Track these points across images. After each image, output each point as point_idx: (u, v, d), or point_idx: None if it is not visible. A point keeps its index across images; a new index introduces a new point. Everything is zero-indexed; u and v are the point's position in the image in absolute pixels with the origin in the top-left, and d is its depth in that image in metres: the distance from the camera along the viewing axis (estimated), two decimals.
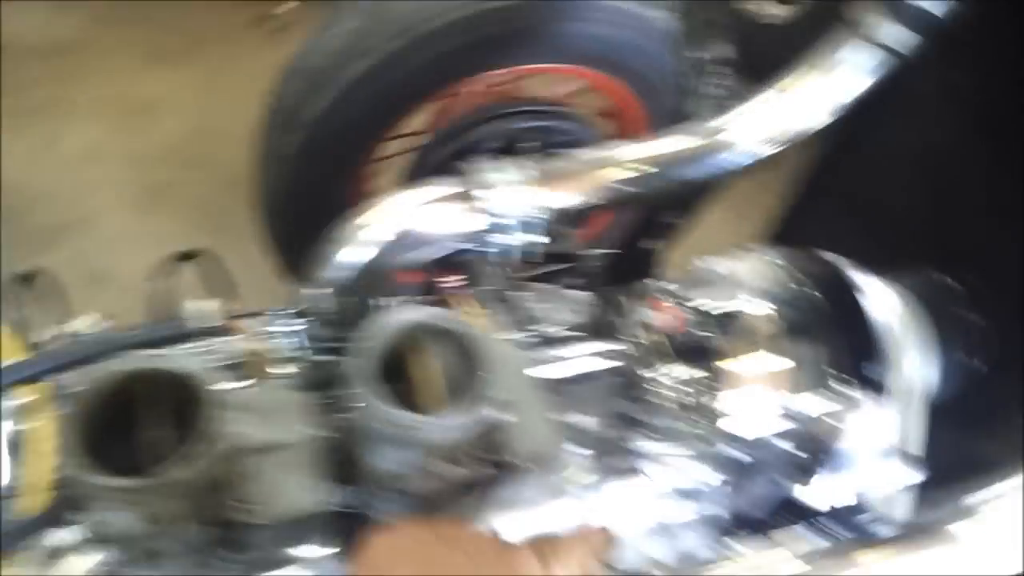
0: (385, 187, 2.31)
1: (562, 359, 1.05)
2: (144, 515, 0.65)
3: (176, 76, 3.27)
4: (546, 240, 0.97)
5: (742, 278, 0.90)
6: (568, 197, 0.99)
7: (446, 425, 0.69)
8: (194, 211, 2.87)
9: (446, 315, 0.75)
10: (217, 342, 1.00)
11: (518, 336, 1.14)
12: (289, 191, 2.03)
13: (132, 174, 2.96)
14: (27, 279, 1.06)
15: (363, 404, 0.71)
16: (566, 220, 1.12)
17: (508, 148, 2.07)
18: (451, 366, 0.75)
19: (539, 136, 2.04)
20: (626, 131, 2.32)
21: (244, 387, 0.80)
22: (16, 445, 1.06)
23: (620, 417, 1.05)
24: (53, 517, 0.88)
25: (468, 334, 0.73)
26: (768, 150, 1.06)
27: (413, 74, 1.89)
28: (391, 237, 0.95)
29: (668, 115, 2.17)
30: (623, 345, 0.96)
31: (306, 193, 2.03)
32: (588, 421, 1.03)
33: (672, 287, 0.90)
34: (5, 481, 1.06)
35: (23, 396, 1.06)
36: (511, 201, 0.94)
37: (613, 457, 1.02)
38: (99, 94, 3.17)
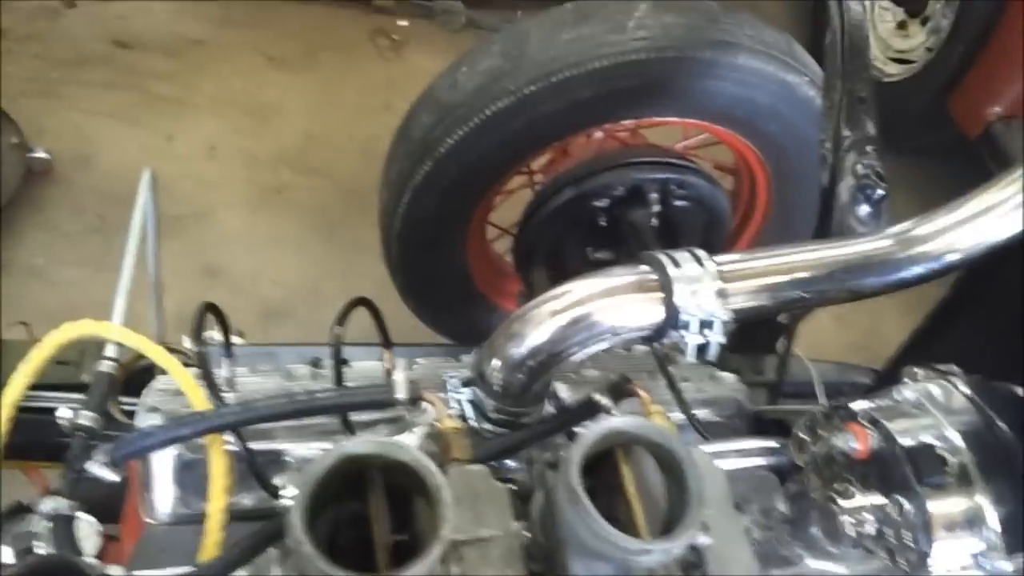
0: (501, 220, 2.36)
1: (722, 454, 1.07)
2: None
3: (293, 81, 3.35)
4: (723, 340, 0.98)
5: (929, 405, 0.89)
6: (752, 297, 0.99)
7: (657, 550, 0.70)
8: (307, 217, 2.95)
9: (654, 427, 0.76)
10: (413, 415, 1.03)
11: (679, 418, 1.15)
12: (413, 218, 2.06)
13: (247, 173, 3.05)
14: (206, 311, 1.10)
15: (573, 512, 0.72)
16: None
17: (629, 196, 2.09)
18: (660, 480, 0.76)
19: (661, 188, 2.05)
20: (744, 189, 2.32)
21: (448, 471, 0.82)
22: (186, 474, 1.11)
23: (770, 517, 1.05)
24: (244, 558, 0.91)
25: (678, 451, 0.75)
26: (959, 262, 1.04)
27: (544, 118, 1.91)
28: (568, 323, 0.96)
29: (794, 181, 2.16)
30: (795, 449, 0.95)
31: (429, 221, 2.07)
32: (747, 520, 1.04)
33: (863, 407, 0.90)
34: (168, 510, 1.11)
35: None
36: (695, 298, 0.95)
37: (767, 561, 1.02)
38: (218, 93, 3.27)
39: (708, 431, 1.17)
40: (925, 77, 3.39)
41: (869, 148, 1.56)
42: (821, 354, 1.81)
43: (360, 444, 0.71)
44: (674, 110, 1.99)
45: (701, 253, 0.99)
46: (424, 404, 0.92)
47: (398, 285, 2.28)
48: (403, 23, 3.65)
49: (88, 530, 1.07)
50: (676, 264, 0.96)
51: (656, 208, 2.04)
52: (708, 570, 0.76)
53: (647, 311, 0.95)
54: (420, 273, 2.23)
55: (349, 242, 2.83)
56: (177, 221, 2.88)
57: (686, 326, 0.94)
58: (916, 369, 0.99)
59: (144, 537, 1.07)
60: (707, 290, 0.94)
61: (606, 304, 0.96)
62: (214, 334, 1.87)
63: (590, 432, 0.76)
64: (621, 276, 0.97)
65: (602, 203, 2.05)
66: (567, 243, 2.09)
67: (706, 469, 0.85)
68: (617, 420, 0.77)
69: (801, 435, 0.95)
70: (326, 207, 2.97)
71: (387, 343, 1.19)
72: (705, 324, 0.94)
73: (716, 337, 0.95)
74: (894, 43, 3.59)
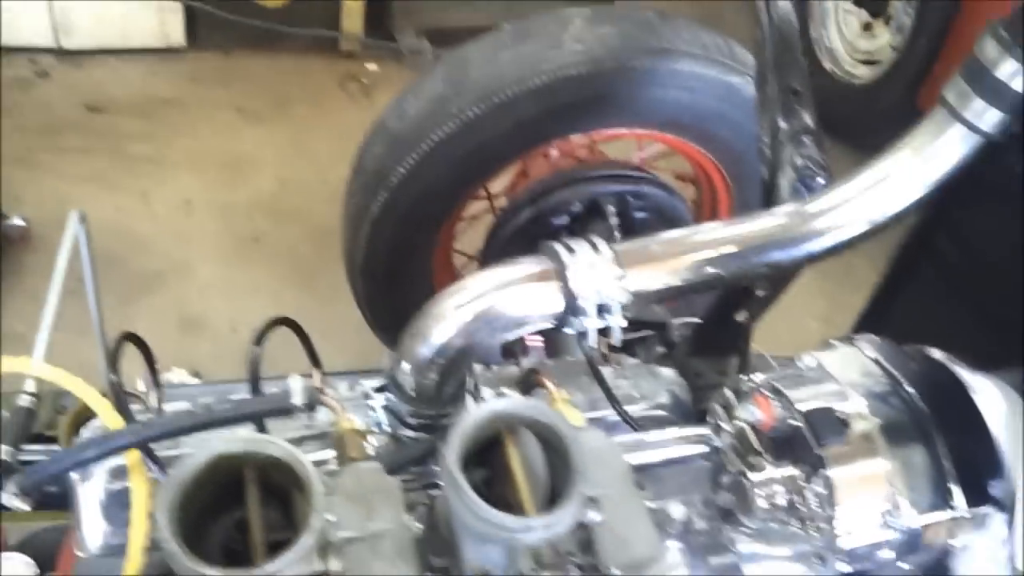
0: (468, 246, 2.37)
1: (650, 443, 1.05)
2: None
3: (265, 133, 3.40)
4: (624, 324, 0.97)
5: (835, 372, 0.88)
6: (650, 279, 0.99)
7: (538, 526, 0.69)
8: (284, 263, 2.97)
9: (538, 406, 0.75)
10: (312, 419, 1.03)
11: (600, 414, 1.14)
12: (375, 250, 2.07)
13: (224, 225, 3.07)
14: (123, 341, 1.11)
15: (456, 497, 0.72)
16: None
17: (587, 212, 2.09)
18: (543, 459, 0.75)
19: (618, 200, 2.05)
20: (706, 197, 2.31)
21: (342, 471, 0.82)
22: (112, 506, 1.10)
23: (711, 507, 1.04)
24: None
25: (560, 428, 0.74)
26: (860, 233, 1.04)
27: (493, 140, 1.92)
28: (470, 318, 0.96)
29: (751, 183, 2.16)
30: (713, 432, 0.94)
31: (391, 252, 2.08)
32: (677, 509, 1.02)
33: (763, 378, 0.88)
34: (100, 542, 1.10)
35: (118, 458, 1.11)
36: (591, 283, 0.94)
37: (705, 550, 1.00)
38: (192, 149, 3.31)
39: (645, 425, 1.15)
40: (893, 75, 3.40)
41: (807, 139, 1.56)
42: None
43: (230, 442, 0.71)
44: (620, 121, 2.00)
45: (598, 240, 0.99)
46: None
47: (368, 320, 2.28)
48: (372, 67, 3.71)
49: (17, 569, 1.06)
50: (571, 252, 0.96)
51: (615, 221, 2.04)
52: (600, 547, 0.74)
53: (546, 299, 0.95)
54: (387, 306, 2.23)
55: (325, 286, 2.84)
56: (155, 277, 2.90)
57: (584, 312, 0.94)
58: (831, 340, 0.98)
59: (73, 570, 1.06)
60: (603, 275, 0.94)
61: (506, 295, 0.96)
62: (174, 375, 1.89)
63: (470, 416, 0.75)
64: (519, 267, 0.97)
65: (561, 220, 2.06)
66: None
67: (602, 450, 0.84)
68: (498, 402, 0.76)
69: (717, 416, 0.94)
70: (302, 253, 2.98)
71: (315, 362, 1.18)
72: (603, 308, 0.94)
73: (616, 320, 0.94)
74: (860, 45, 3.61)
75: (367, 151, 2.09)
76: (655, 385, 1.23)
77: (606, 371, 1.27)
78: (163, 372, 1.85)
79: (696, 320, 1.84)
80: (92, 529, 1.07)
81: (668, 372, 1.27)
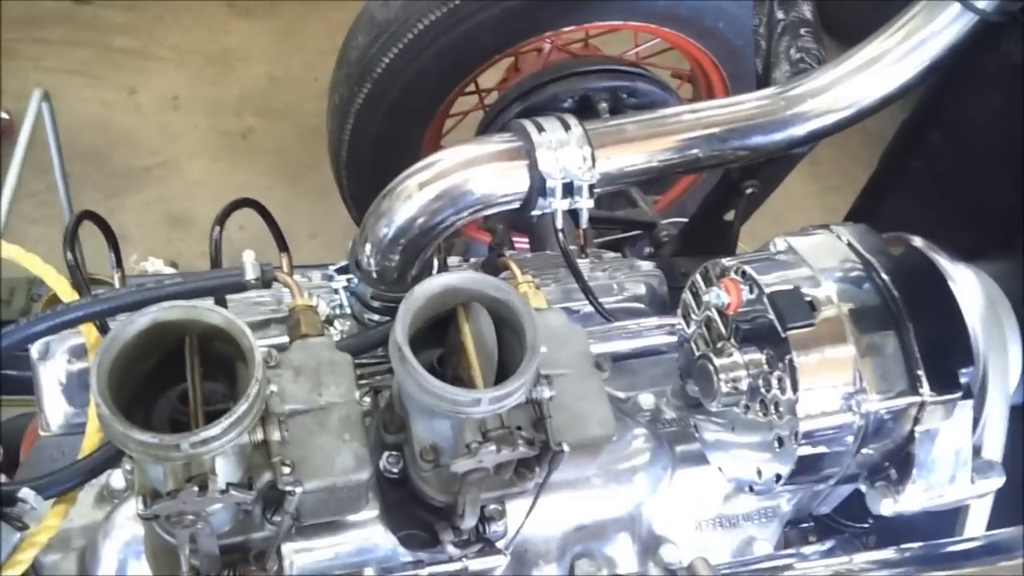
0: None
1: (621, 333, 1.03)
2: (174, 472, 0.65)
3: (254, 27, 3.29)
4: (591, 204, 0.93)
5: (809, 257, 0.84)
6: (622, 160, 0.95)
7: (485, 399, 0.67)
8: (273, 161, 2.91)
9: (490, 280, 0.72)
10: (266, 295, 1.00)
11: (575, 306, 1.12)
12: (359, 144, 2.02)
13: (211, 121, 3.01)
14: (81, 219, 1.07)
15: (403, 371, 0.69)
16: (640, 185, 1.06)
17: (580, 108, 2.03)
18: (499, 337, 0.73)
19: (611, 97, 1.98)
20: (703, 95, 2.24)
21: (291, 345, 0.79)
22: (73, 386, 1.09)
23: (680, 397, 1.02)
24: (110, 458, 0.90)
25: (514, 302, 0.71)
26: (845, 118, 0.99)
27: (480, 28, 1.85)
28: (433, 195, 0.92)
29: (749, 81, 2.09)
30: (683, 320, 0.91)
31: (376, 146, 2.02)
32: (646, 399, 1.00)
33: (733, 262, 0.85)
34: (61, 421, 1.09)
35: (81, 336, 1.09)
36: (559, 162, 0.90)
37: (673, 438, 0.99)
38: (179, 43, 3.22)
39: (619, 316, 1.13)
40: None
41: (804, 31, 1.49)
42: None
43: (167, 309, 0.68)
44: (613, 12, 1.92)
45: (571, 119, 0.94)
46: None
47: (353, 216, 2.24)
48: None
49: None
50: (541, 130, 0.92)
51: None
52: (553, 424, 0.72)
53: (513, 179, 0.91)
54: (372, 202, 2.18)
55: (314, 184, 2.79)
56: (143, 172, 2.85)
57: (553, 193, 0.90)
58: (808, 227, 0.95)
59: (34, 448, 1.06)
60: (572, 155, 0.90)
61: (472, 174, 0.92)
62: (150, 265, 1.87)
63: (419, 289, 0.73)
64: (487, 144, 0.93)
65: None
66: None
67: (562, 331, 0.81)
68: (449, 276, 0.73)
69: (686, 305, 0.91)
70: (291, 150, 2.93)
71: (282, 245, 1.15)
72: (572, 190, 0.90)
73: (585, 202, 0.91)
74: None
75: (351, 41, 2.01)
76: (633, 277, 1.20)
77: (583, 263, 1.24)
78: (140, 262, 1.84)
79: (684, 220, 1.80)
80: (53, 409, 1.06)
81: (646, 265, 1.24)
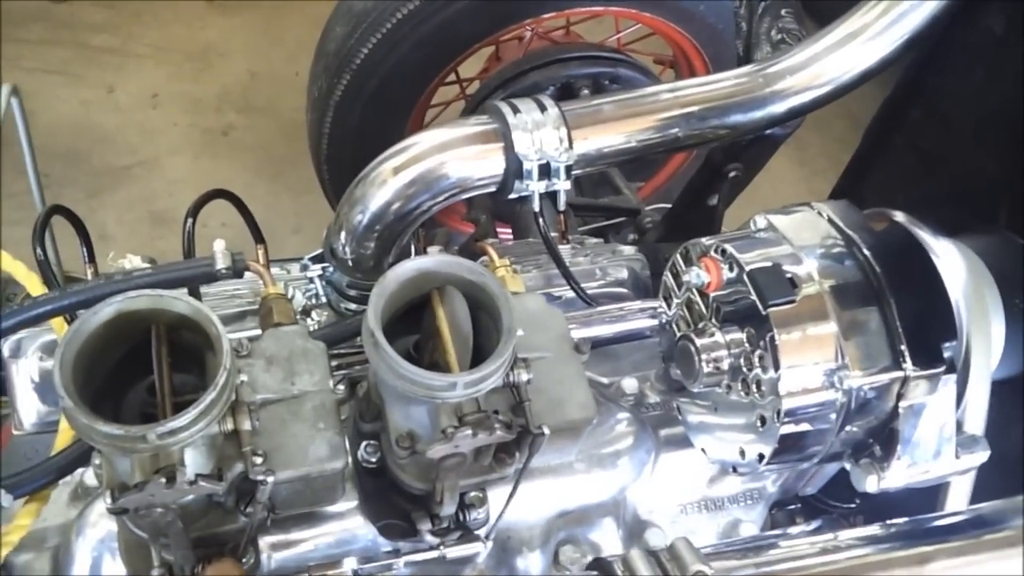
0: None
1: (603, 317, 1.01)
2: (141, 464, 0.63)
3: (233, 22, 3.26)
4: (568, 186, 0.92)
5: (790, 235, 0.83)
6: (600, 140, 0.93)
7: (461, 383, 0.66)
8: (255, 157, 2.88)
9: (464, 263, 0.71)
10: (243, 288, 0.98)
11: (557, 292, 1.10)
12: (339, 136, 2.00)
13: (192, 119, 2.98)
14: (52, 214, 1.05)
15: (377, 357, 0.68)
16: (624, 170, 1.04)
17: (562, 96, 2.01)
18: (476, 321, 0.71)
19: (593, 84, 1.97)
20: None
21: (263, 334, 0.78)
22: (46, 383, 1.07)
23: (663, 381, 1.01)
24: (82, 455, 0.88)
25: (489, 285, 0.69)
26: (824, 94, 0.98)
27: (459, 17, 1.83)
28: (408, 180, 0.91)
29: (730, 65, 2.07)
30: (664, 302, 0.90)
31: (356, 138, 2.00)
32: (629, 384, 0.99)
33: (712, 240, 0.84)
34: (34, 419, 1.07)
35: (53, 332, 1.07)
36: (535, 144, 0.89)
37: (656, 422, 0.98)
38: (158, 40, 3.18)
39: (601, 301, 1.12)
40: None
41: (784, 12, 1.48)
42: None
43: (132, 298, 0.67)
44: None
45: (547, 99, 0.93)
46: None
47: (335, 209, 2.22)
48: None
49: None
50: (516, 111, 0.90)
51: None
52: (532, 408, 0.71)
53: (488, 161, 0.90)
54: None
55: (297, 179, 2.77)
56: (123, 171, 2.82)
57: (529, 175, 0.89)
58: (789, 205, 0.93)
59: (7, 447, 1.04)
60: (549, 136, 0.89)
61: (447, 157, 0.90)
62: (128, 262, 1.84)
63: (392, 274, 0.71)
64: (462, 127, 0.92)
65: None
66: None
67: (540, 314, 0.80)
68: (423, 259, 0.72)
69: (667, 287, 0.90)
70: (273, 145, 2.90)
71: (257, 237, 1.13)
72: (549, 171, 0.89)
73: (562, 184, 0.89)
74: None
75: (329, 32, 1.99)
76: (615, 262, 1.19)
77: (565, 249, 1.22)
78: (118, 260, 1.81)
79: (668, 206, 1.79)
80: (26, 407, 1.04)
81: (628, 249, 1.23)
